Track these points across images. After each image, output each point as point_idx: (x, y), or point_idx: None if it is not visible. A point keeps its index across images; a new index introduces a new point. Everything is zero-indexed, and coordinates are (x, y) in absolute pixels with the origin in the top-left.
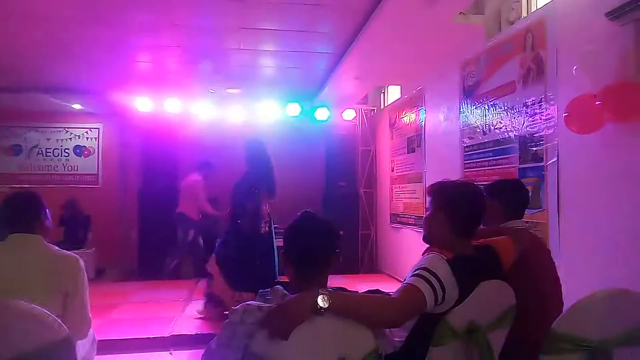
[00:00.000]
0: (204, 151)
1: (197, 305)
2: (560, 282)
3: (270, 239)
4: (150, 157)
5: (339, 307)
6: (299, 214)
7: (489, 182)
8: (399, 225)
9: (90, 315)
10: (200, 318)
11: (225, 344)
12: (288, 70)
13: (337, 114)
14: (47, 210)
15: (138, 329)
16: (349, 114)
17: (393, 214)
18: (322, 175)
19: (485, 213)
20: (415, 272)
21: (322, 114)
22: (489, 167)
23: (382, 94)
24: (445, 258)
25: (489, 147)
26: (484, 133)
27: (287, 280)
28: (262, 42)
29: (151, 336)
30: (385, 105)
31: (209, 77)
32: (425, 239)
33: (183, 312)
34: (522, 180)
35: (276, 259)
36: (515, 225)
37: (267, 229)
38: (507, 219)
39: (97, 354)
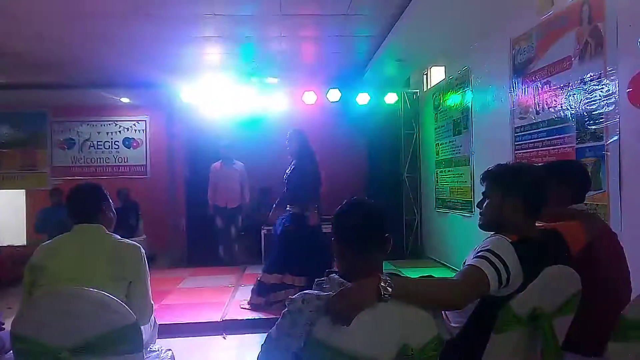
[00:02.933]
0: (247, 140)
1: (246, 291)
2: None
3: (320, 227)
4: (195, 147)
5: (401, 293)
6: (345, 201)
7: (547, 163)
8: (445, 210)
9: (153, 302)
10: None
11: (286, 332)
12: (329, 56)
13: (379, 98)
14: (109, 200)
15: (191, 314)
16: (391, 98)
17: (438, 198)
18: (365, 160)
19: (546, 194)
20: (479, 254)
21: (363, 98)
22: (543, 148)
23: (425, 76)
24: (510, 240)
25: (543, 127)
26: (537, 112)
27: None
28: (302, 28)
29: (204, 321)
30: (429, 87)
31: (250, 66)
32: (484, 227)
33: (233, 298)
34: (580, 160)
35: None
36: (579, 208)
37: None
38: (569, 202)
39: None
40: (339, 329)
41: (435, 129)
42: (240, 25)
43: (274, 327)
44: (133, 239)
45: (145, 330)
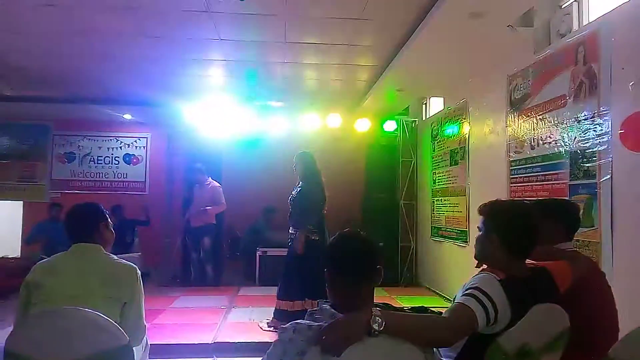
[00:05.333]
0: (243, 162)
1: (238, 313)
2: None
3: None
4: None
5: (392, 328)
6: (337, 233)
7: (539, 200)
8: (441, 239)
9: (146, 323)
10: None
11: None
12: (330, 83)
13: (378, 125)
14: (107, 220)
15: (182, 335)
16: (390, 125)
17: (434, 226)
18: (362, 186)
19: (538, 235)
20: (467, 292)
21: (362, 125)
22: (537, 183)
23: (424, 105)
24: (498, 278)
25: (537, 162)
26: (532, 147)
27: None
28: (305, 56)
29: (195, 342)
30: (428, 116)
31: (253, 90)
32: (477, 258)
33: (225, 320)
34: (573, 197)
35: None
36: (566, 247)
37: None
38: (558, 240)
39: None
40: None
41: (433, 157)
42: (244, 50)
43: (265, 355)
44: (128, 255)
45: (137, 351)
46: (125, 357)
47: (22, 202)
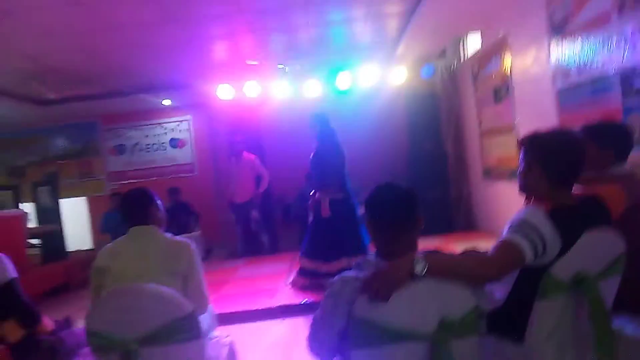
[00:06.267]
0: (285, 130)
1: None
2: None
3: (351, 208)
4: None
5: (435, 270)
6: (376, 186)
7: (585, 125)
8: (493, 180)
9: (207, 293)
10: (296, 288)
11: (329, 313)
12: (358, 37)
13: (415, 73)
14: (157, 202)
15: (248, 302)
16: (428, 71)
17: (485, 169)
18: (406, 139)
19: (584, 162)
20: (512, 227)
21: (399, 75)
22: (588, 108)
23: (461, 46)
24: (544, 209)
25: (586, 87)
26: (579, 72)
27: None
28: (329, 14)
29: (261, 308)
30: (466, 57)
31: (281, 56)
32: (521, 191)
33: (286, 284)
34: (627, 118)
35: (361, 226)
36: (621, 170)
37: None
38: (608, 164)
39: (219, 325)
40: (378, 306)
41: (476, 99)
42: (266, 17)
43: (318, 309)
44: (187, 235)
45: (204, 319)
46: (192, 325)
47: (85, 197)
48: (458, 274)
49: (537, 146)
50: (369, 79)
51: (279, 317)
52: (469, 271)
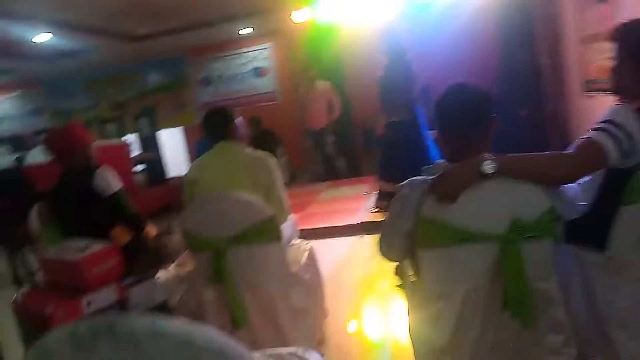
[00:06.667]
0: (366, 54)
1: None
2: None
3: (415, 126)
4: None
5: (507, 170)
6: (447, 86)
7: None
8: (594, 93)
9: (289, 203)
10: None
11: (397, 216)
12: None
13: None
14: (239, 120)
15: (330, 219)
16: None
17: (585, 80)
18: (497, 50)
19: None
20: (597, 126)
21: None
22: None
23: None
24: (633, 108)
25: None
26: None
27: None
28: None
29: (343, 224)
30: None
31: None
32: (612, 91)
33: (366, 203)
34: None
35: (426, 143)
36: None
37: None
38: None
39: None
40: (446, 207)
41: (574, 2)
42: None
43: (388, 213)
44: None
45: (287, 228)
46: (272, 228)
47: (181, 127)
48: (532, 174)
49: (629, 36)
50: None
51: (359, 234)
52: (545, 170)
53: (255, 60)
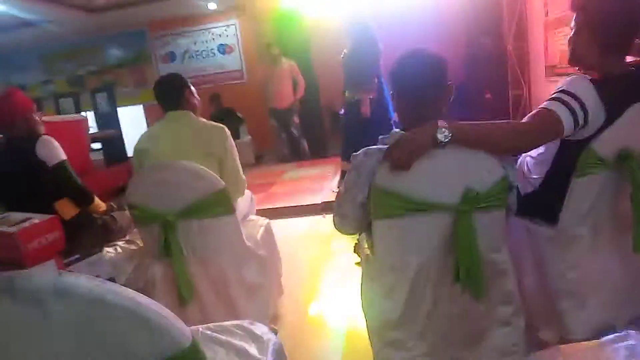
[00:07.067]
0: (334, 33)
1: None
2: None
3: (386, 108)
4: (284, 49)
5: (461, 138)
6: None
7: None
8: (557, 78)
9: (244, 177)
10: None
11: (352, 185)
12: None
13: None
14: (190, 87)
15: (293, 199)
16: None
17: (549, 65)
18: (463, 33)
19: (636, 24)
20: (553, 95)
21: None
22: None
23: None
24: (590, 79)
25: None
26: None
27: None
28: None
29: (305, 204)
30: None
31: None
32: (570, 61)
33: (331, 184)
34: None
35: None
36: None
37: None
38: None
39: None
40: (399, 175)
41: None
42: None
43: (343, 182)
44: (237, 141)
45: (243, 202)
46: (224, 200)
47: (141, 105)
48: (487, 143)
49: (587, 6)
50: None
51: (320, 214)
52: (500, 139)
53: (221, 37)
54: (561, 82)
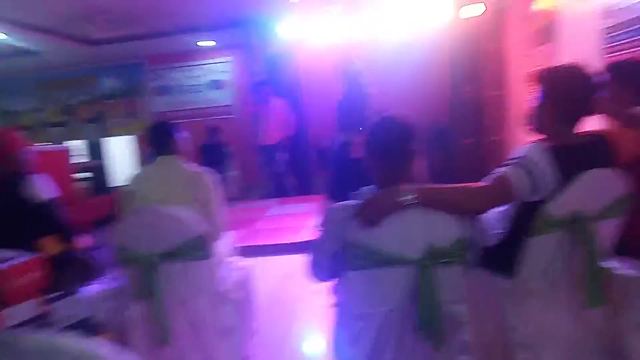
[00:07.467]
0: (324, 73)
1: None
2: None
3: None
4: (277, 84)
5: (424, 200)
6: (377, 117)
7: (611, 62)
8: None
9: (225, 220)
10: None
11: (326, 237)
12: None
13: (458, 11)
14: (183, 135)
15: (276, 237)
16: (473, 10)
17: (525, 115)
18: (447, 81)
19: (590, 99)
20: (510, 162)
21: (441, 14)
22: (634, 49)
23: None
24: (545, 146)
25: (633, 26)
26: (626, 10)
27: None
28: None
29: (285, 242)
30: None
31: None
32: (532, 128)
33: (314, 222)
34: None
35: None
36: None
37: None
38: (631, 104)
39: (245, 256)
40: (369, 231)
41: (521, 40)
42: None
43: (318, 234)
44: (224, 174)
45: (221, 245)
46: (204, 245)
47: (132, 136)
48: (447, 205)
49: (547, 80)
50: (409, 21)
51: (302, 252)
52: (459, 202)
53: (214, 73)
54: (519, 149)
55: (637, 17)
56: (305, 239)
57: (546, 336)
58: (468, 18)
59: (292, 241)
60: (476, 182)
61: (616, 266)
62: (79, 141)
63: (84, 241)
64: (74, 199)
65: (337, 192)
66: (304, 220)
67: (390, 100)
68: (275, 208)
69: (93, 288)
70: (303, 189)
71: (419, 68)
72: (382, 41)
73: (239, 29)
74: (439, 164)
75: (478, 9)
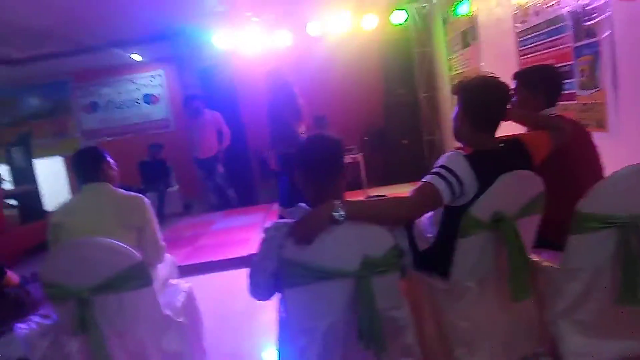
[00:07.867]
0: (260, 82)
1: None
2: (604, 164)
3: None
4: (211, 96)
5: (354, 214)
6: (307, 137)
7: (519, 70)
8: None
9: (163, 243)
10: None
11: (263, 256)
12: None
13: (387, 18)
14: (108, 160)
15: (221, 252)
16: (400, 16)
17: None
18: (381, 85)
19: (503, 107)
20: (432, 170)
21: (370, 21)
22: (545, 51)
23: None
24: (464, 154)
25: (543, 29)
26: (536, 14)
27: None
28: None
29: (232, 257)
30: (437, 1)
31: (250, 5)
32: (454, 137)
33: (260, 234)
34: (578, 59)
35: None
36: (550, 113)
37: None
38: (539, 108)
39: (189, 275)
40: (304, 249)
41: (446, 43)
42: None
43: (256, 253)
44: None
45: (163, 267)
46: (142, 273)
47: (61, 157)
48: (376, 217)
49: (461, 91)
50: (340, 26)
51: (247, 266)
52: (387, 213)
53: (146, 87)
54: (440, 158)
55: (545, 21)
56: (252, 252)
57: (481, 331)
58: (397, 24)
59: (238, 255)
60: (416, 179)
61: (538, 259)
62: (1, 166)
63: (15, 275)
64: (3, 229)
65: (288, 201)
66: (250, 232)
67: (324, 105)
68: (220, 222)
69: (29, 325)
70: (247, 200)
71: (354, 73)
72: (313, 48)
73: (167, 41)
74: (379, 164)
75: (401, 16)
